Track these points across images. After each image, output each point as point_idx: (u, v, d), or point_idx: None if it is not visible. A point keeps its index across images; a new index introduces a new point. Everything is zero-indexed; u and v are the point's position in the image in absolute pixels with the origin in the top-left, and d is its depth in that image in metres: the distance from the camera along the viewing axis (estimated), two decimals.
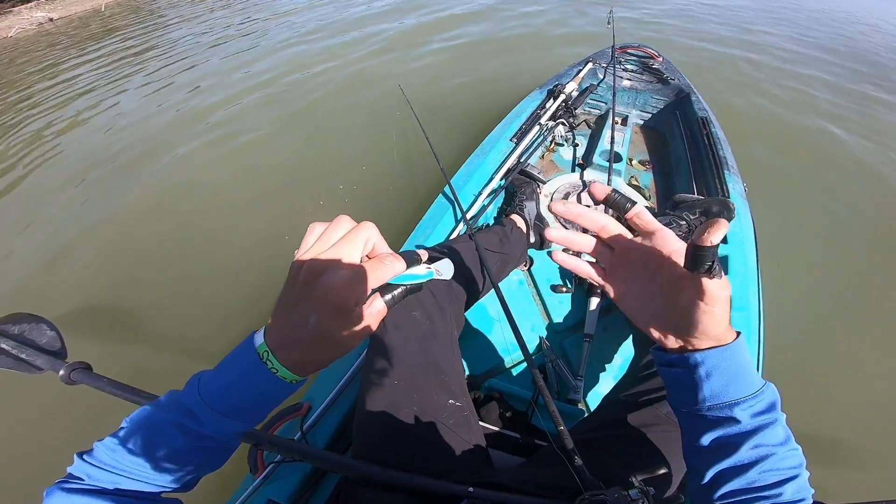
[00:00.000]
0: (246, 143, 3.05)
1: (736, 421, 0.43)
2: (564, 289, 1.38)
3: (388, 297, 0.38)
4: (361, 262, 0.36)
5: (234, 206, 2.45)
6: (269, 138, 3.09)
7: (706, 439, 0.45)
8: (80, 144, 3.31)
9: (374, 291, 0.38)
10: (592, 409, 1.12)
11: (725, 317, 0.41)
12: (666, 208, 1.52)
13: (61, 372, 0.67)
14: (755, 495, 0.42)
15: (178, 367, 1.65)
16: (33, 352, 0.69)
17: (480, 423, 1.04)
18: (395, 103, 2.83)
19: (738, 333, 0.44)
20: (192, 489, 0.42)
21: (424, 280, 0.40)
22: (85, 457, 0.38)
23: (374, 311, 0.37)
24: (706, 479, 0.45)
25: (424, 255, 0.39)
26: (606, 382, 1.21)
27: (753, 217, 1.50)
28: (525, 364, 1.24)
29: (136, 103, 3.87)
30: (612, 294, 0.49)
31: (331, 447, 0.94)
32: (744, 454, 0.43)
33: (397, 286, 0.39)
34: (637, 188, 1.83)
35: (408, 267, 0.37)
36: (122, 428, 0.39)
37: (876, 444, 1.42)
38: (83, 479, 0.37)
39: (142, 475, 0.38)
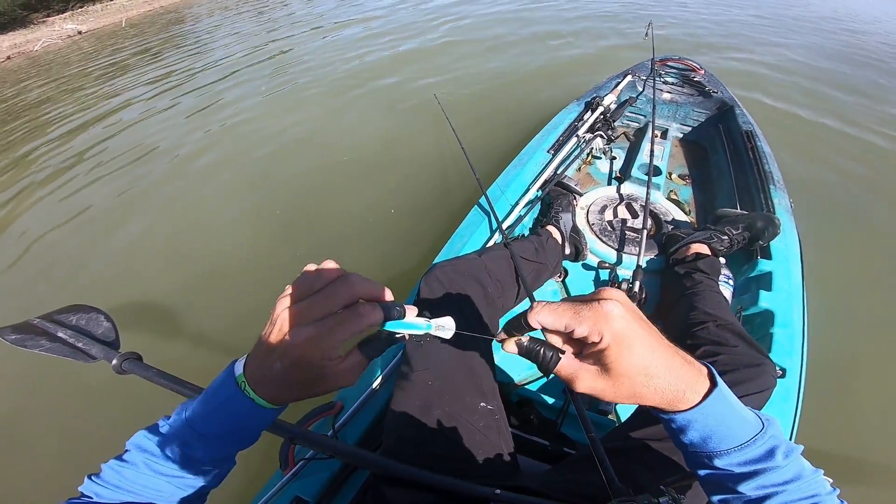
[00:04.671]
0: (299, 143, 3.26)
1: (724, 468, 0.41)
2: None
3: (369, 348, 0.39)
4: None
5: (283, 219, 2.57)
6: (315, 141, 3.27)
7: (702, 474, 0.44)
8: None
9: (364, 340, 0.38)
10: (623, 420, 1.11)
11: (642, 395, 0.38)
12: (707, 223, 1.50)
13: (114, 361, 0.69)
14: None
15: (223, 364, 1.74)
16: (89, 341, 0.71)
17: (510, 428, 1.06)
18: (432, 113, 2.91)
19: (713, 388, 0.39)
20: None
21: (420, 332, 0.39)
22: (94, 478, 0.42)
23: (350, 364, 0.37)
24: (714, 501, 0.44)
25: (413, 310, 0.38)
26: None
27: (800, 233, 1.46)
28: None
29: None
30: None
31: (360, 446, 0.96)
32: (746, 492, 0.40)
33: (378, 338, 0.39)
34: (676, 202, 1.81)
35: (385, 318, 0.36)
36: (126, 451, 0.42)
37: None
38: (91, 498, 0.41)
39: (145, 494, 0.41)
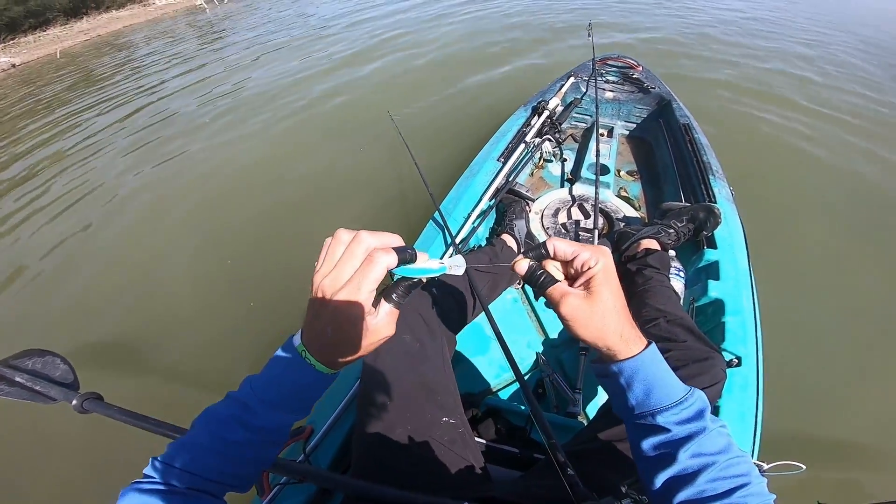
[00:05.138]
0: (245, 171, 3.13)
1: (665, 430, 0.47)
2: None
3: (393, 296, 0.43)
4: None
5: (238, 244, 2.49)
6: (262, 168, 3.16)
7: (646, 446, 0.49)
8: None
9: (381, 294, 0.43)
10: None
11: (607, 326, 0.46)
12: (654, 217, 1.54)
13: (74, 402, 0.73)
14: None
15: (187, 397, 1.69)
16: (47, 384, 0.75)
17: (478, 438, 1.05)
18: (385, 131, 2.88)
19: (649, 344, 0.48)
20: (248, 490, 0.48)
21: (437, 274, 0.43)
22: (159, 458, 0.44)
23: (384, 315, 0.42)
24: (657, 487, 0.47)
25: (424, 255, 0.43)
26: (605, 394, 1.20)
27: (742, 220, 1.51)
28: (525, 379, 1.24)
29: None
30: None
31: (333, 468, 0.96)
32: (685, 463, 0.45)
33: (398, 285, 0.43)
34: (627, 199, 1.85)
35: (399, 260, 0.40)
36: (192, 426, 0.45)
37: (881, 445, 1.39)
38: (155, 478, 0.42)
39: (207, 470, 0.43)
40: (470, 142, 2.72)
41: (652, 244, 1.36)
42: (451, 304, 1.07)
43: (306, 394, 0.45)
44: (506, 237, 1.47)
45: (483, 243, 1.61)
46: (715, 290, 1.24)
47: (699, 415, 0.46)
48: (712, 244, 1.39)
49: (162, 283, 2.32)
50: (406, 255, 0.41)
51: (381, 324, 0.42)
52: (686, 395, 0.47)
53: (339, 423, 1.03)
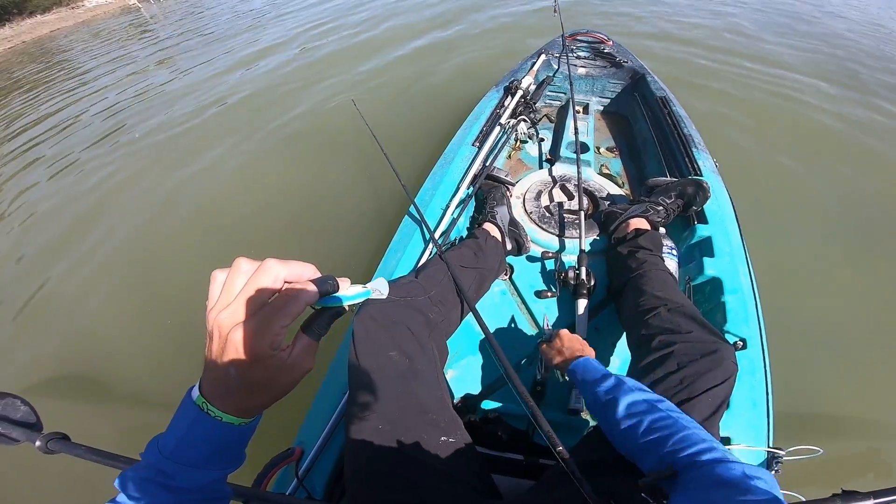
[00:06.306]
0: (201, 187, 2.93)
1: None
2: (549, 293, 1.31)
3: (314, 328, 0.38)
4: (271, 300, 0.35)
5: (192, 257, 2.33)
6: (222, 181, 2.96)
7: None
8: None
9: (304, 326, 0.38)
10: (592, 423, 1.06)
11: None
12: (640, 194, 1.47)
13: (38, 443, 0.72)
14: None
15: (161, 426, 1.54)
16: (8, 425, 0.74)
17: (479, 448, 0.98)
18: (349, 123, 2.71)
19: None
20: None
21: (361, 300, 0.40)
22: None
23: (301, 349, 0.37)
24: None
25: (346, 281, 0.39)
26: None
27: (729, 191, 1.46)
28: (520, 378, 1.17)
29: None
30: None
31: (329, 489, 0.90)
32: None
33: (319, 316, 0.38)
34: (609, 176, 1.78)
35: (321, 293, 0.36)
36: (118, 493, 0.40)
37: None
38: None
39: None
40: (441, 128, 2.61)
41: (641, 223, 1.30)
42: (438, 310, 0.98)
43: (224, 449, 0.39)
44: (488, 226, 1.37)
45: (464, 235, 1.51)
46: (711, 267, 1.18)
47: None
48: (703, 219, 1.33)
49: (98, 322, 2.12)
50: (328, 287, 0.36)
51: (298, 360, 0.37)
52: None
53: (332, 439, 0.95)
